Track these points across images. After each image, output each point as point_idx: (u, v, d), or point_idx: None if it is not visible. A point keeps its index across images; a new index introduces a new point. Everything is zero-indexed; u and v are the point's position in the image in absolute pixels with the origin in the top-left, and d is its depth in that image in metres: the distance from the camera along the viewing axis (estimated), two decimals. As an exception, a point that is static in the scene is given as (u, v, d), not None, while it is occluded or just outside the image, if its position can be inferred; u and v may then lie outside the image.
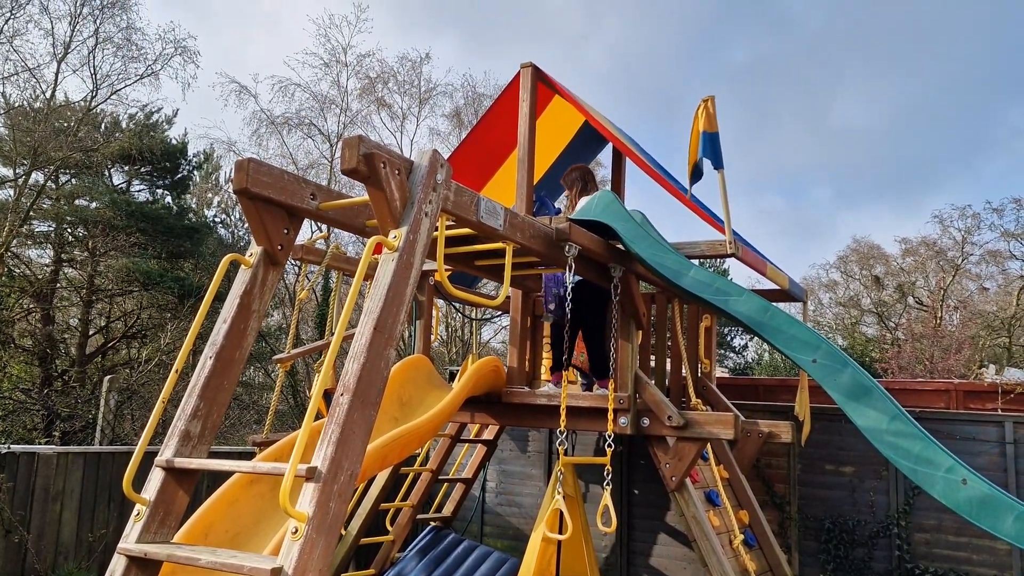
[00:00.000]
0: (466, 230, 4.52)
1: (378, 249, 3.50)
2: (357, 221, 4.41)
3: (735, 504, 6.36)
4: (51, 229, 19.75)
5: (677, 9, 44.25)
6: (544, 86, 6.56)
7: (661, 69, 46.94)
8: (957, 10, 40.93)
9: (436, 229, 3.91)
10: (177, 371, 3.66)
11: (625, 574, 7.61)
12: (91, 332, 20.05)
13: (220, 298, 3.99)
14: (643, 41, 44.87)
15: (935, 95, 42.91)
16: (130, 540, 3.29)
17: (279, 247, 3.99)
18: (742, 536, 5.98)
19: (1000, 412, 6.95)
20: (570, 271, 4.78)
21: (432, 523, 7.47)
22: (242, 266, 3.93)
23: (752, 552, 6.09)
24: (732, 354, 31.35)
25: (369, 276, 6.29)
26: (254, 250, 3.97)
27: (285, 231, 4.01)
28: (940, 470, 3.99)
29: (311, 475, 3.03)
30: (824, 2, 44.85)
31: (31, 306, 18.64)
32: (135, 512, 3.38)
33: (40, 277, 18.93)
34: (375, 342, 3.30)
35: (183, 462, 3.44)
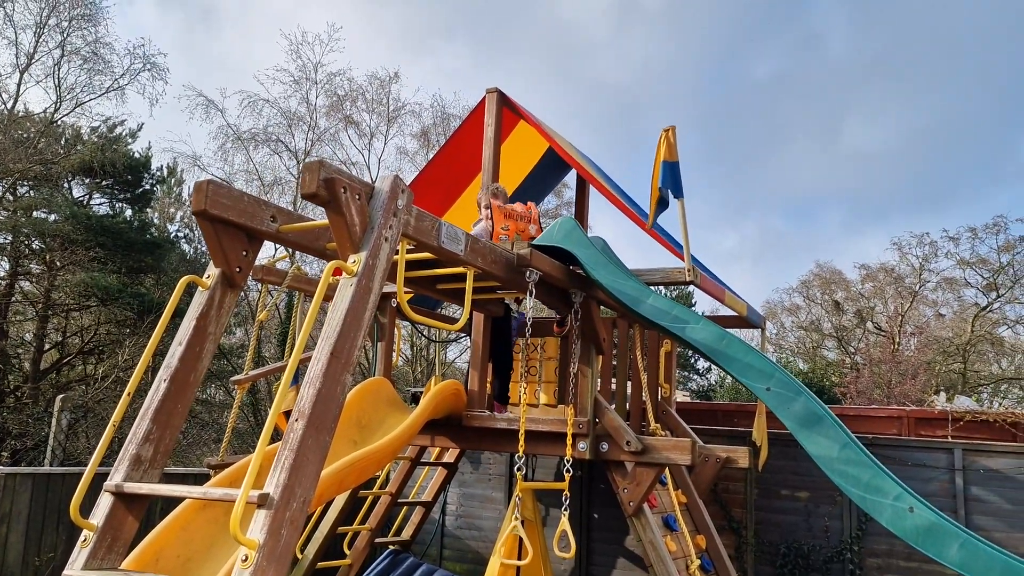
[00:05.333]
0: (428, 254, 4.54)
1: (337, 273, 3.50)
2: (317, 244, 4.40)
3: (692, 529, 6.40)
4: (7, 241, 19.33)
5: (705, 23, 44.70)
6: (509, 111, 6.64)
7: (683, 83, 47.25)
8: (979, 39, 41.40)
9: (396, 253, 3.92)
10: (130, 393, 3.61)
11: (584, 598, 7.60)
12: (46, 347, 19.61)
13: (180, 313, 3.94)
14: (667, 54, 45.26)
15: (951, 122, 43.52)
16: (76, 567, 3.22)
17: (237, 269, 3.96)
18: (699, 561, 6.02)
19: (950, 439, 7.11)
20: (530, 296, 4.81)
21: (391, 546, 7.40)
22: (199, 288, 3.90)
23: (708, 577, 6.13)
24: (696, 376, 31.62)
25: (329, 297, 6.28)
26: (212, 272, 3.94)
27: (244, 253, 3.98)
28: (888, 498, 4.07)
29: (263, 502, 3.00)
30: (851, 25, 45.30)
31: (-17, 320, 18.18)
32: (82, 538, 3.32)
33: (-7, 291, 18.49)
34: (331, 368, 3.29)
35: (133, 487, 3.38)
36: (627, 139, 46.96)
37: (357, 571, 7.14)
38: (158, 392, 3.64)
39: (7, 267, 19.42)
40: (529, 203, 5.93)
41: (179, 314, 3.94)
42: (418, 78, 39.66)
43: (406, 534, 7.58)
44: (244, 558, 2.90)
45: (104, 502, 3.39)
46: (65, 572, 3.22)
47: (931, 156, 43.68)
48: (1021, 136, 41.92)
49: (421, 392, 7.73)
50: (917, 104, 43.48)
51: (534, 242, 5.14)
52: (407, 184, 3.90)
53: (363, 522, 7.20)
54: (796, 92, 45.88)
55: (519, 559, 5.61)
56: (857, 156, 43.58)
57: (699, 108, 47.13)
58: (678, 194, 5.37)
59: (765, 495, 7.15)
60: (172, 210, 25.79)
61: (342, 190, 3.50)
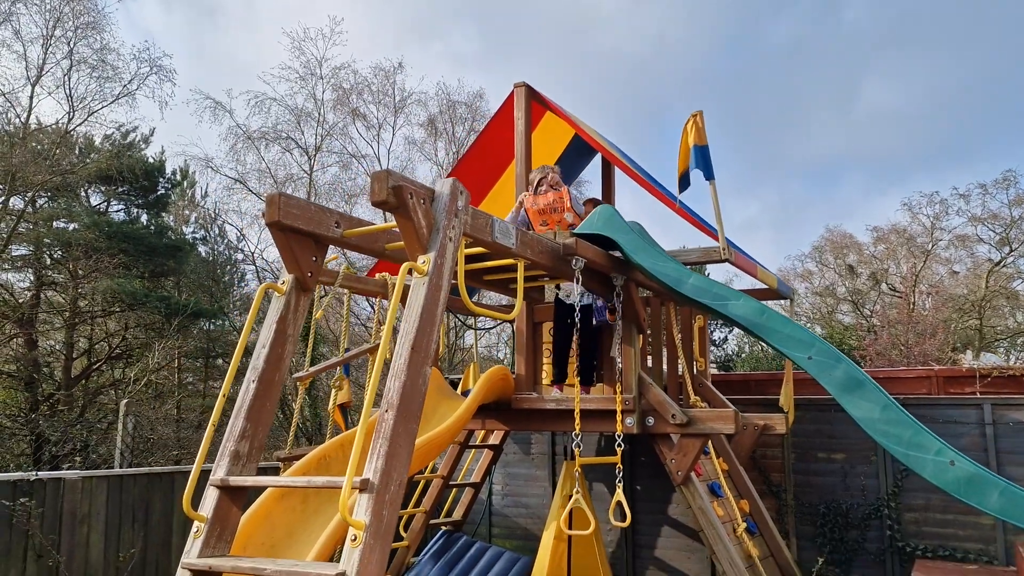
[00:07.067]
0: (477, 248, 4.79)
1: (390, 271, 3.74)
2: (376, 245, 4.66)
3: (736, 494, 6.69)
4: (30, 252, 19.69)
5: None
6: (536, 103, 6.86)
7: (699, 52, 46.62)
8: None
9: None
10: (224, 395, 3.90)
11: (631, 566, 7.92)
12: (75, 355, 20.01)
13: (201, 313, 4.21)
14: (681, 22, 44.66)
15: (973, 79, 42.40)
16: (192, 556, 3.52)
17: (309, 274, 4.23)
18: (744, 524, 6.31)
19: (979, 395, 7.35)
20: (577, 283, 5.07)
21: (444, 527, 7.72)
22: (275, 294, 4.17)
23: (754, 539, 6.43)
24: (713, 347, 31.87)
25: (375, 294, 6.55)
26: (286, 278, 4.22)
27: (314, 259, 4.26)
28: (930, 453, 4.33)
29: (364, 486, 3.28)
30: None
31: (14, 331, 18.58)
32: (194, 529, 3.62)
33: (21, 302, 18.86)
34: (413, 361, 3.56)
35: (236, 480, 3.68)
36: (644, 110, 46.64)
37: (414, 552, 7.48)
38: (248, 392, 3.93)
39: (33, 278, 19.80)
40: (561, 191, 6.09)
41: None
42: (428, 63, 39.51)
43: (457, 514, 7.89)
44: (353, 538, 3.18)
45: (211, 495, 3.69)
46: (184, 560, 3.53)
47: (954, 114, 43.01)
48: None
49: (458, 380, 8.03)
50: (937, 62, 42.86)
51: (576, 230, 5.39)
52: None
53: (417, 505, 7.52)
54: (814, 55, 45.18)
55: (583, 530, 5.89)
56: (877, 117, 43.00)
57: (716, 76, 46.73)
58: (709, 176, 5.60)
59: (802, 458, 7.43)
60: (187, 212, 26.09)
61: (409, 196, 3.76)
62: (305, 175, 23.95)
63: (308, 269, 4.23)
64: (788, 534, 7.27)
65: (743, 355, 27.49)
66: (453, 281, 4.37)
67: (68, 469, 11.48)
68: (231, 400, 4.08)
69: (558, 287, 6.21)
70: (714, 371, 13.38)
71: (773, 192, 48.28)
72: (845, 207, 45.12)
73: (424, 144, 25.24)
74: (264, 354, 4.01)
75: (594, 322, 5.87)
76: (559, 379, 6.26)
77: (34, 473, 6.10)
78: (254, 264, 24.52)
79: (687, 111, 5.83)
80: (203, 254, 24.72)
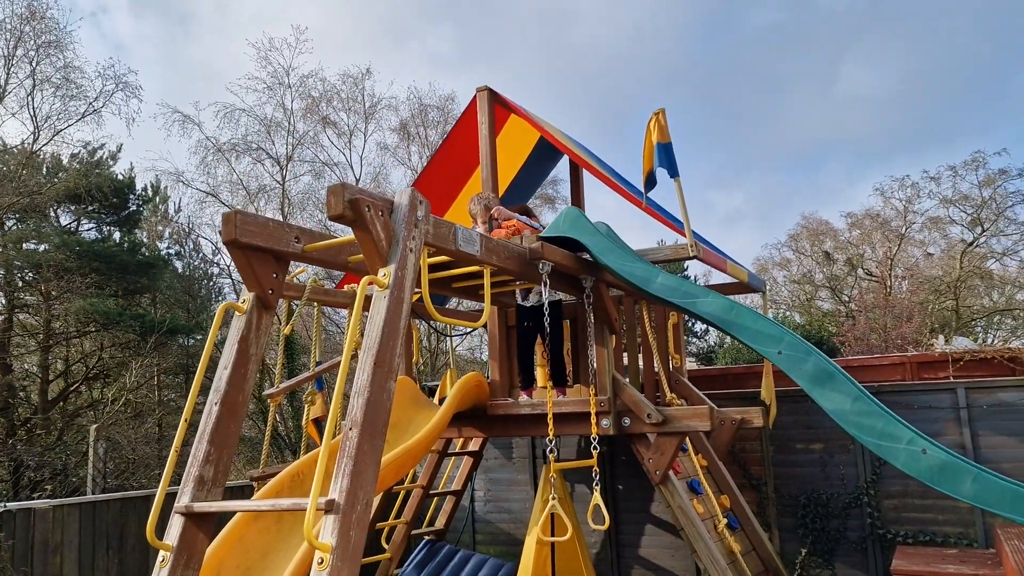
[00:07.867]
0: (443, 257, 4.74)
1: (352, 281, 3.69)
2: (339, 259, 4.60)
3: (716, 490, 6.68)
4: (0, 276, 19.38)
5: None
6: (500, 107, 6.82)
7: (676, 44, 46.44)
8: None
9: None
10: (186, 420, 3.81)
11: (616, 567, 7.89)
12: (51, 377, 19.73)
13: (180, 330, 4.13)
14: (657, 14, 44.48)
15: (951, 60, 42.52)
16: (158, 586, 3.45)
17: (270, 291, 4.16)
18: (725, 520, 6.30)
19: (952, 380, 7.39)
20: (546, 287, 5.03)
21: (426, 537, 7.66)
22: (236, 313, 4.10)
23: (736, 534, 6.42)
24: (695, 339, 32.01)
25: (344, 306, 6.48)
26: (246, 296, 4.14)
27: (274, 275, 4.19)
28: (902, 443, 4.33)
29: (330, 508, 3.22)
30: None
31: (-14, 356, 18.25)
32: (160, 559, 3.54)
33: (-8, 327, 18.55)
34: (376, 376, 3.50)
35: (201, 506, 3.60)
36: (623, 102, 46.57)
37: (397, 563, 7.41)
38: (211, 416, 3.85)
39: (3, 302, 19.48)
40: (509, 223, 6.00)
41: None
42: (403, 65, 39.34)
43: (439, 523, 7.83)
44: (320, 561, 3.12)
45: (176, 523, 3.60)
46: (149, 592, 3.45)
47: (934, 95, 43.15)
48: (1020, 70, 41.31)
49: (436, 386, 7.97)
50: (915, 45, 43.09)
51: (543, 234, 5.35)
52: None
53: (398, 516, 7.45)
54: (791, 42, 45.25)
55: (552, 536, 5.87)
56: (856, 102, 43.14)
57: (695, 67, 46.73)
58: (673, 174, 5.58)
59: (781, 450, 7.44)
60: (160, 228, 25.80)
61: (366, 208, 3.70)
62: (278, 185, 23.79)
63: (269, 286, 4.16)
64: (770, 526, 7.27)
65: (724, 346, 27.59)
66: (418, 291, 4.31)
67: (44, 495, 11.30)
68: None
69: (528, 291, 6.18)
70: (694, 365, 13.40)
71: (756, 182, 48.52)
72: (828, 193, 45.42)
73: (397, 149, 25.16)
74: (226, 375, 3.94)
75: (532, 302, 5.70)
76: (526, 384, 6.22)
77: (2, 505, 5.98)
78: (231, 277, 24.30)
79: (666, 102, 5.82)
80: (179, 269, 24.46)
